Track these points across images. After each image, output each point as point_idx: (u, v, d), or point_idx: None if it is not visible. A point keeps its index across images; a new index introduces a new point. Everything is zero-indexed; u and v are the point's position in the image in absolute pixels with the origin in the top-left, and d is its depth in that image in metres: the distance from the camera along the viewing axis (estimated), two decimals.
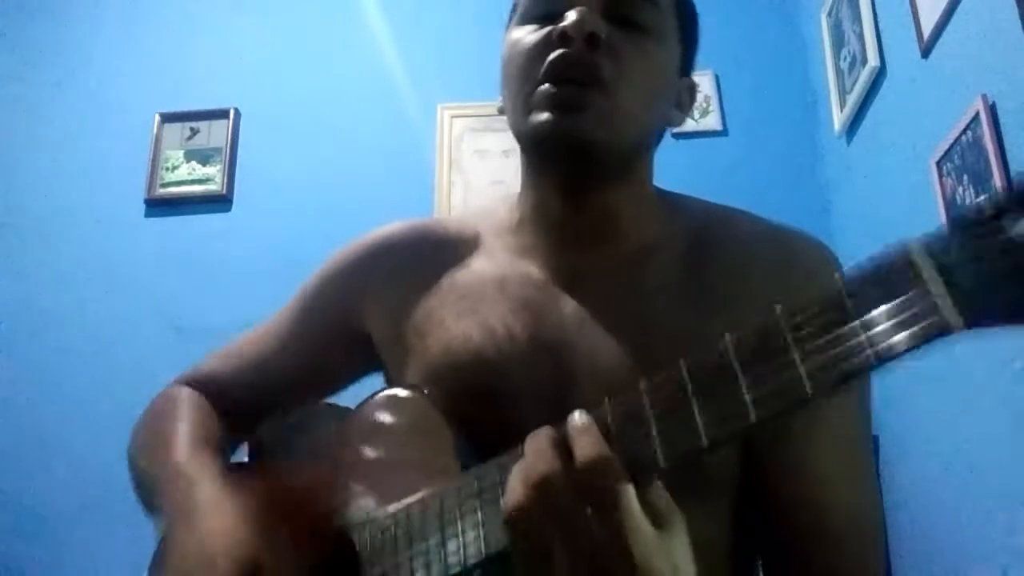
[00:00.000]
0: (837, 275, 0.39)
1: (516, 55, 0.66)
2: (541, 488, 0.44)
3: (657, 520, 0.44)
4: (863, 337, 0.37)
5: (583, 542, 0.43)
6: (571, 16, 0.62)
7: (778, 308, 0.41)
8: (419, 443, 0.63)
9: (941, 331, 0.35)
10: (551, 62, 0.62)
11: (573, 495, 0.43)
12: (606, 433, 0.45)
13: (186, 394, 0.80)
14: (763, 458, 0.63)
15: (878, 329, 0.37)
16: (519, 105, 0.66)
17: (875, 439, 1.76)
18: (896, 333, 0.36)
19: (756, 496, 0.64)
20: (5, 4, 2.63)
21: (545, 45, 0.64)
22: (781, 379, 0.40)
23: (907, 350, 0.36)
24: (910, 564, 1.62)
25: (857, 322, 0.37)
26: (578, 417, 0.46)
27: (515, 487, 0.45)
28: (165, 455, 0.71)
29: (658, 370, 0.45)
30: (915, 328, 0.35)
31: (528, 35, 0.66)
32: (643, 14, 0.65)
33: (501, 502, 0.49)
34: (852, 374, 0.37)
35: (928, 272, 0.35)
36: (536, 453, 0.45)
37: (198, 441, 0.73)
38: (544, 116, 0.62)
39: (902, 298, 0.36)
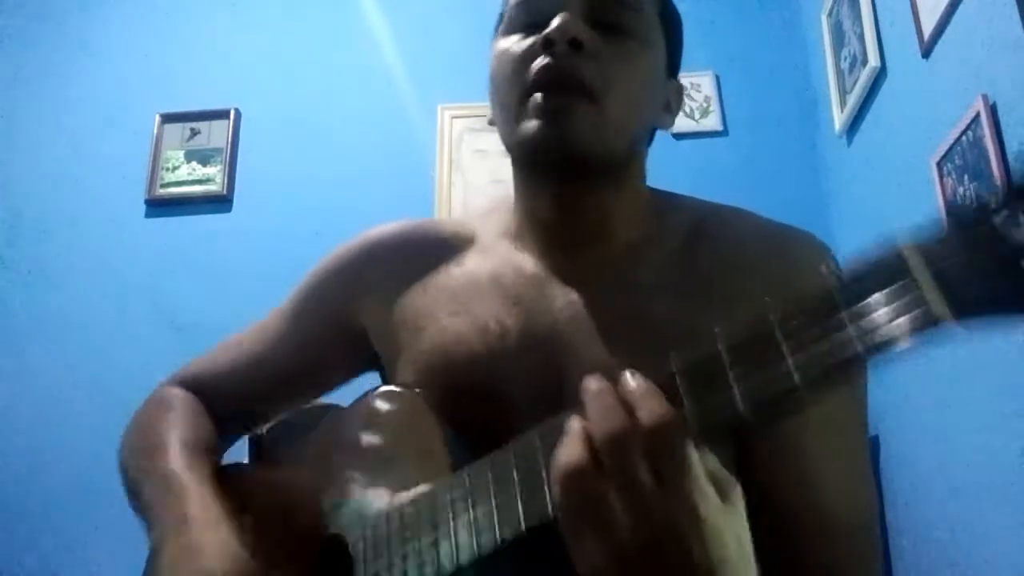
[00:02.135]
0: (827, 268, 0.39)
1: (503, 65, 0.67)
2: (611, 446, 0.42)
3: (719, 490, 0.44)
4: (851, 328, 0.37)
5: (649, 505, 0.41)
6: (554, 22, 0.63)
7: (768, 300, 0.41)
8: (411, 442, 0.63)
9: (930, 323, 0.35)
10: (537, 71, 0.63)
11: (642, 455, 0.42)
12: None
13: (178, 396, 0.80)
14: (758, 458, 0.63)
15: (867, 320, 0.37)
16: (508, 116, 0.66)
17: (875, 439, 1.76)
18: (885, 325, 0.36)
19: (752, 495, 0.64)
20: (4, 4, 2.63)
21: (530, 53, 0.65)
22: (769, 372, 0.40)
23: (896, 342, 0.36)
24: (910, 564, 1.62)
25: (846, 313, 0.38)
26: (636, 380, 0.44)
27: (573, 446, 0.43)
28: (156, 462, 0.71)
29: (649, 365, 0.45)
30: (904, 319, 0.36)
31: (514, 45, 0.67)
32: (626, 19, 0.66)
33: (543, 472, 0.47)
34: (840, 365, 0.38)
35: (917, 264, 0.36)
36: (603, 410, 0.43)
37: (189, 447, 0.72)
38: (533, 125, 0.63)
39: (890, 289, 0.36)
